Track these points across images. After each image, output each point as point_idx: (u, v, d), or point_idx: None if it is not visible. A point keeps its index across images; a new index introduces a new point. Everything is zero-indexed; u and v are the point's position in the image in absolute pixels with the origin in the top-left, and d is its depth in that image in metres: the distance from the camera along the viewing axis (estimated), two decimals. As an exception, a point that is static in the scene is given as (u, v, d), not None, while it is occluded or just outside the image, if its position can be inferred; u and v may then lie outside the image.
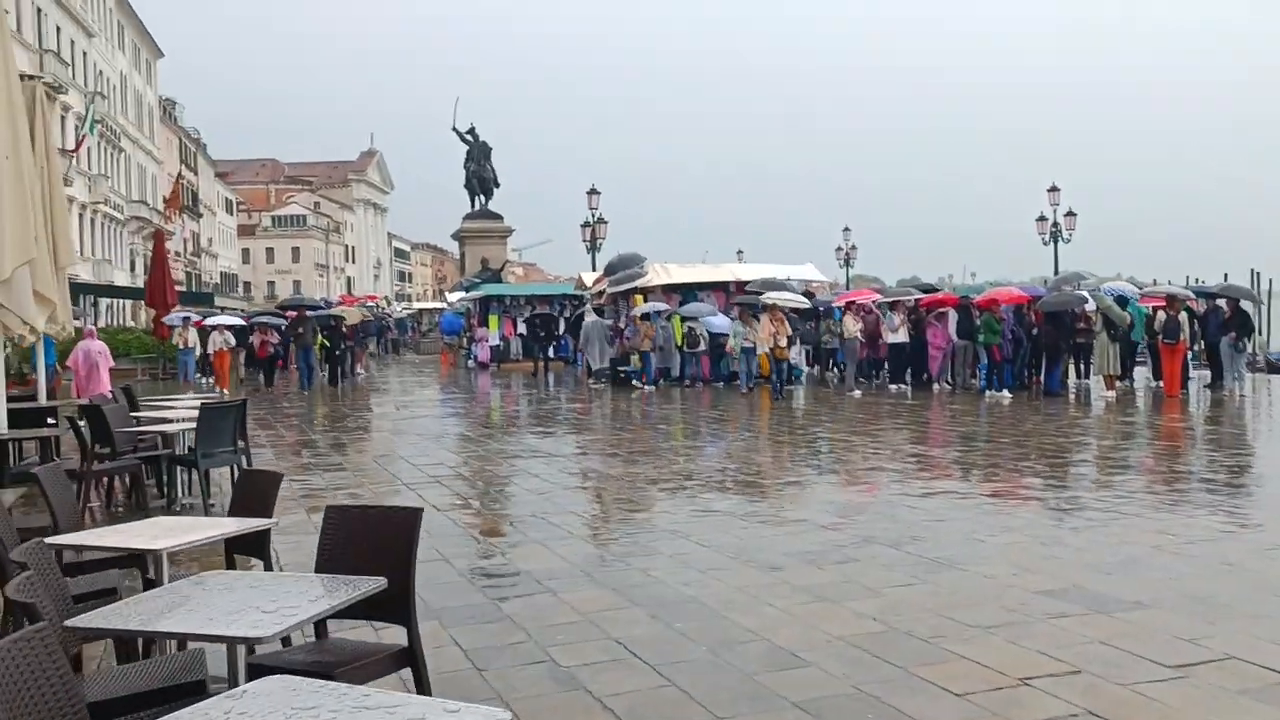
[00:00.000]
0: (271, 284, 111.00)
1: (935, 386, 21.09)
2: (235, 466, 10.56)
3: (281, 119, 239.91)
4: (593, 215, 35.79)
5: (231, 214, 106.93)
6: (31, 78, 14.61)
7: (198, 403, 12.07)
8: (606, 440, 14.94)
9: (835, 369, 24.46)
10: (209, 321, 26.65)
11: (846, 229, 52.77)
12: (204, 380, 25.55)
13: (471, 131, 46.36)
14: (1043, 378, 20.20)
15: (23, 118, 9.64)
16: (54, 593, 3.87)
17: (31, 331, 9.77)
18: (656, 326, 24.05)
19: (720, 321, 23.08)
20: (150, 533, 5.11)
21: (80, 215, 50.06)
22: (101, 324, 47.63)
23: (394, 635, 4.52)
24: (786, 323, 20.64)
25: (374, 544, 4.30)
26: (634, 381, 23.60)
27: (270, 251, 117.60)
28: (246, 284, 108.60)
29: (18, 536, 5.09)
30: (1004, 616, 5.82)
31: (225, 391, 22.20)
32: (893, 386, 21.73)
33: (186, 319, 26.76)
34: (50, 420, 12.04)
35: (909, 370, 22.00)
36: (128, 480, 10.47)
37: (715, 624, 5.83)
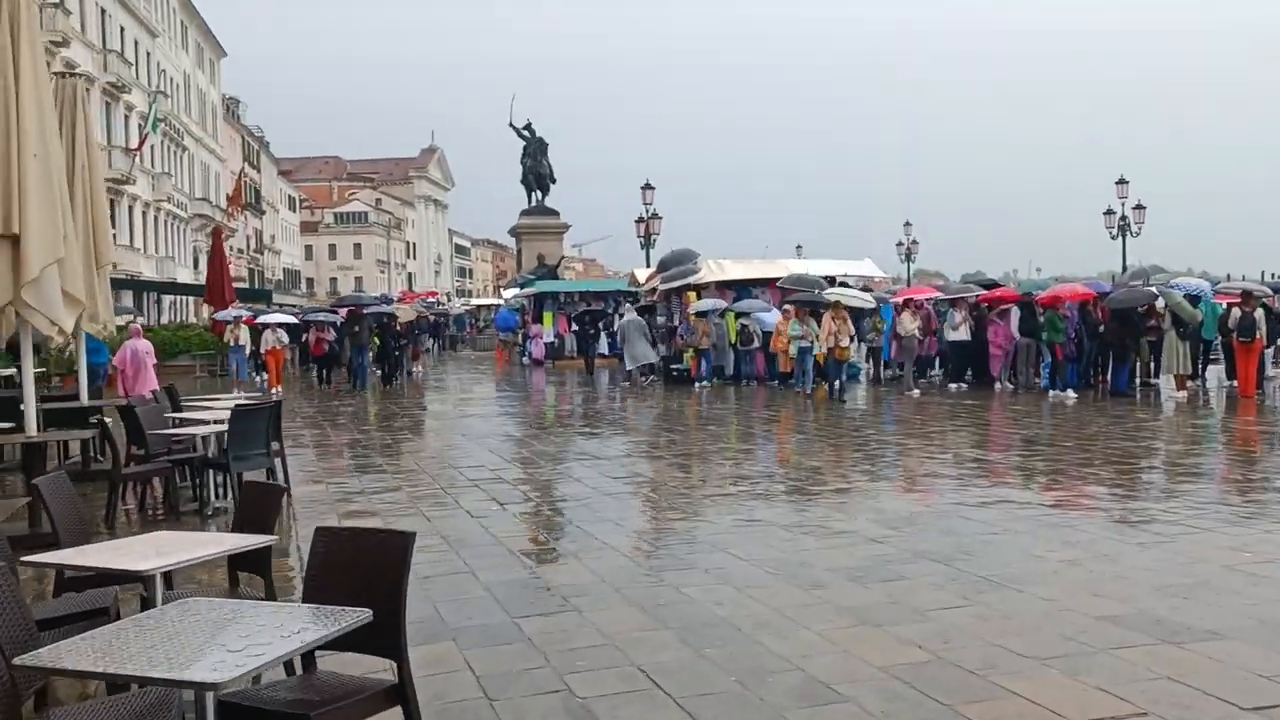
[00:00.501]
0: (334, 280, 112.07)
1: (996, 386, 20.45)
2: (269, 471, 10.36)
3: (345, 118, 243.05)
4: (647, 210, 35.42)
5: (294, 211, 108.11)
6: (69, 74, 14.47)
7: (234, 404, 11.91)
8: (654, 442, 14.56)
9: (886, 367, 23.75)
10: (261, 320, 26.49)
11: (908, 223, 52.05)
12: (258, 378, 25.64)
13: (528, 127, 46.15)
14: (1109, 377, 19.50)
15: (52, 116, 9.45)
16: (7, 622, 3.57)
17: (60, 332, 9.61)
18: (711, 324, 23.62)
19: (773, 318, 22.56)
20: (148, 549, 4.83)
21: (144, 213, 50.77)
22: (164, 320, 48.32)
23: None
24: (849, 321, 19.77)
25: (365, 570, 3.97)
26: (697, 383, 23.18)
27: (332, 248, 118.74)
28: (309, 280, 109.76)
29: (10, 549, 4.85)
30: (1062, 646, 5.36)
31: (278, 390, 22.28)
32: (952, 386, 21.02)
33: (238, 316, 26.69)
34: (93, 420, 11.91)
35: (969, 369, 21.35)
36: (169, 482, 10.27)
37: (747, 650, 5.43)
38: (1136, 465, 11.69)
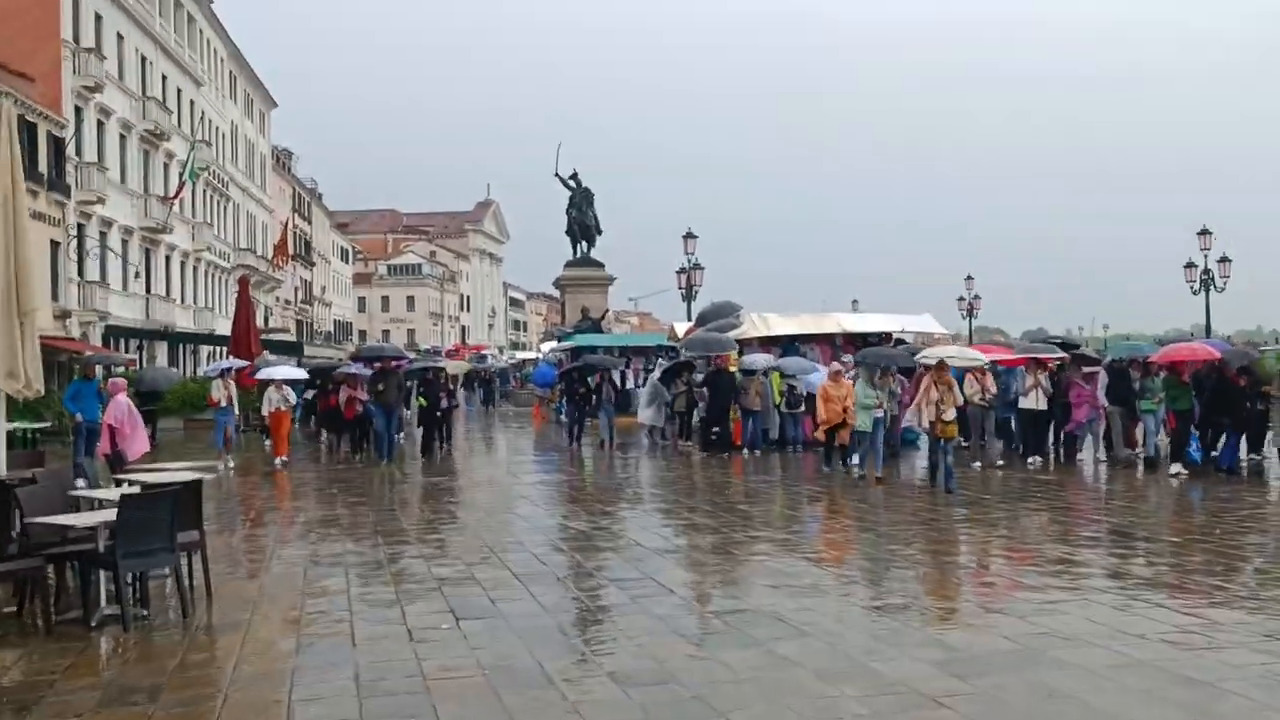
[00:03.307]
0: (386, 332, 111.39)
1: (1080, 457, 17.95)
2: (177, 570, 8.34)
3: (402, 172, 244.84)
4: (689, 261, 33.43)
5: (347, 263, 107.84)
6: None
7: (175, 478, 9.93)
8: (675, 535, 12.37)
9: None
10: (262, 374, 22.75)
11: (969, 277, 49.51)
12: (265, 442, 22.78)
13: (574, 177, 44.60)
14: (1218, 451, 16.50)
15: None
16: None
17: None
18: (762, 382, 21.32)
19: (819, 379, 20.12)
20: None
21: (182, 263, 49.77)
22: (200, 373, 47.00)
23: None
24: (955, 388, 15.07)
25: None
26: (746, 450, 20.74)
27: (385, 300, 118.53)
28: (362, 332, 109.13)
29: None
30: None
31: (283, 459, 19.65)
32: (1030, 461, 17.89)
33: (227, 370, 22.54)
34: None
35: (1051, 441, 18.67)
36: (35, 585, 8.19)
37: None
38: None
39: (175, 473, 10.88)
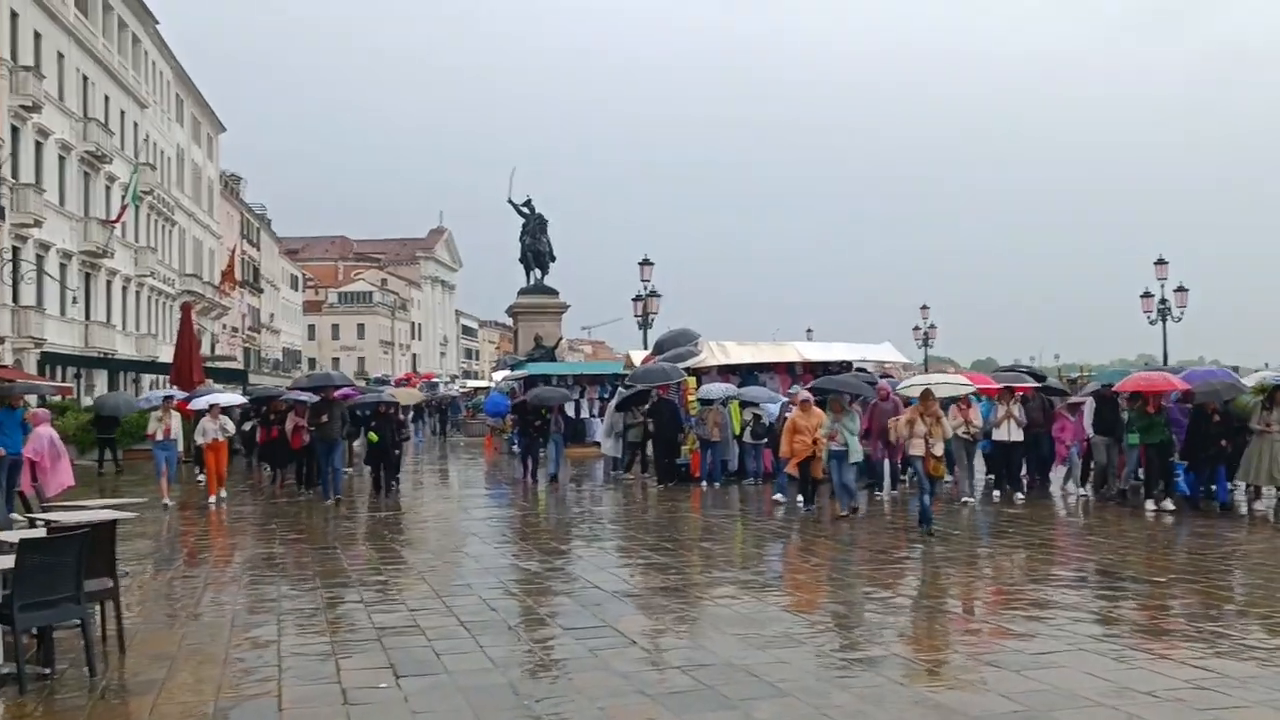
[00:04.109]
0: (336, 360, 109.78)
1: (1063, 489, 17.47)
2: (84, 624, 7.51)
3: (354, 199, 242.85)
4: (645, 288, 32.82)
5: (297, 290, 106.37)
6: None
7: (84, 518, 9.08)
8: (634, 577, 11.67)
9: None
10: (199, 402, 20.87)
11: (925, 306, 49.39)
12: (199, 476, 20.95)
13: (528, 204, 43.93)
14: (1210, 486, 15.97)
15: None
16: None
17: None
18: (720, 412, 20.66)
19: (775, 409, 19.52)
20: None
21: (124, 288, 48.45)
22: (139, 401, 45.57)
23: None
24: (944, 421, 13.97)
25: None
26: (704, 483, 20.16)
27: (335, 328, 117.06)
28: (311, 360, 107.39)
29: None
30: None
31: (219, 496, 18.39)
32: (1001, 494, 17.39)
33: (169, 398, 20.13)
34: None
35: (1029, 474, 18.09)
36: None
37: None
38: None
39: (93, 511, 10.03)
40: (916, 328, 49.57)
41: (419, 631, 8.43)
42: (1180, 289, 34.29)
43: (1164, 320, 34.31)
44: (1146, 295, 34.91)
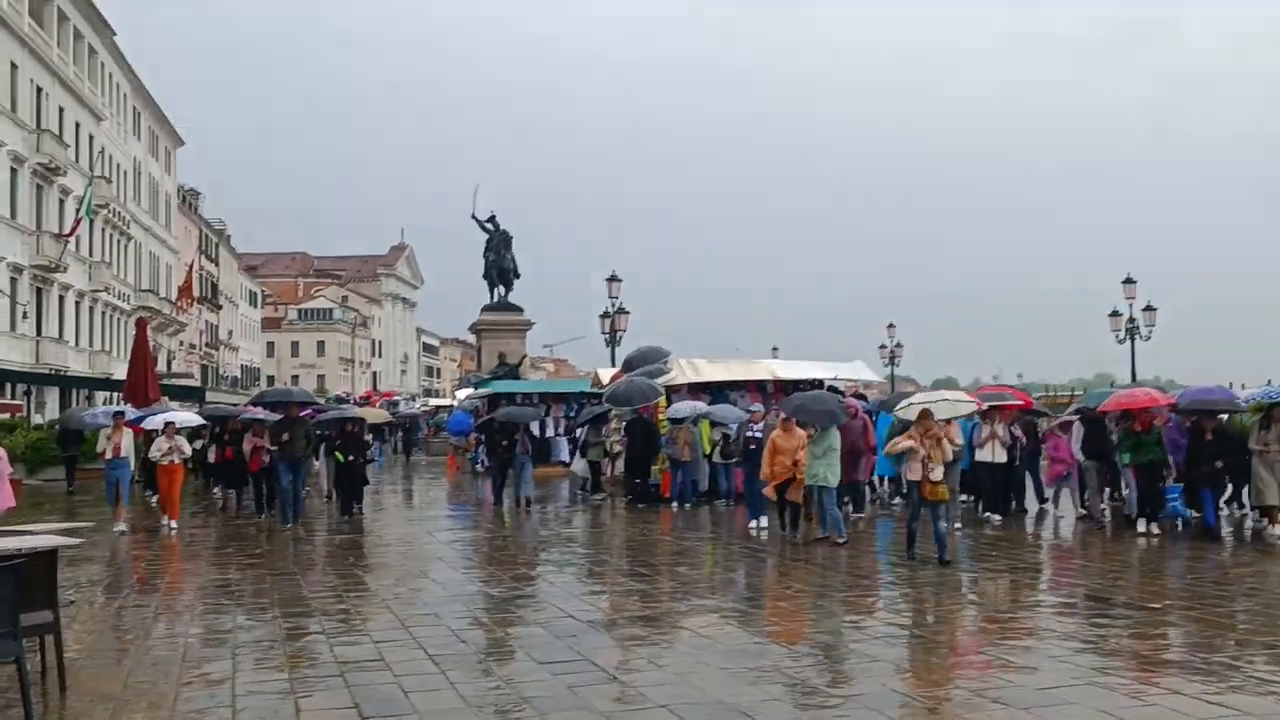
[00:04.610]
0: (295, 377, 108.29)
1: (1046, 509, 17.15)
2: (20, 659, 6.91)
3: (315, 215, 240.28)
4: (613, 305, 32.40)
5: (257, 306, 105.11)
6: None
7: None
8: (608, 605, 11.18)
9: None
10: (153, 421, 19.50)
11: (891, 325, 49.26)
12: (151, 498, 20.49)
13: (492, 220, 43.55)
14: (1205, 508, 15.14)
15: None
16: None
17: None
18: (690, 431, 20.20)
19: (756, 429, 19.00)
20: None
21: (77, 303, 47.42)
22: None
23: None
24: (946, 444, 12.88)
25: None
26: (675, 503, 19.67)
27: (295, 345, 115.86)
28: (270, 377, 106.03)
29: None
30: None
31: (173, 523, 17.19)
32: (995, 517, 16.71)
33: (119, 414, 18.99)
34: None
35: (1009, 496, 17.54)
36: None
37: None
38: None
39: (35, 537, 9.40)
40: (883, 346, 49.47)
41: (384, 666, 7.90)
42: (1149, 308, 34.35)
43: (1132, 339, 34.33)
44: (1115, 314, 34.95)
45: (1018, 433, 16.85)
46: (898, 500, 19.57)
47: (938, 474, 12.42)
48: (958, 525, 15.16)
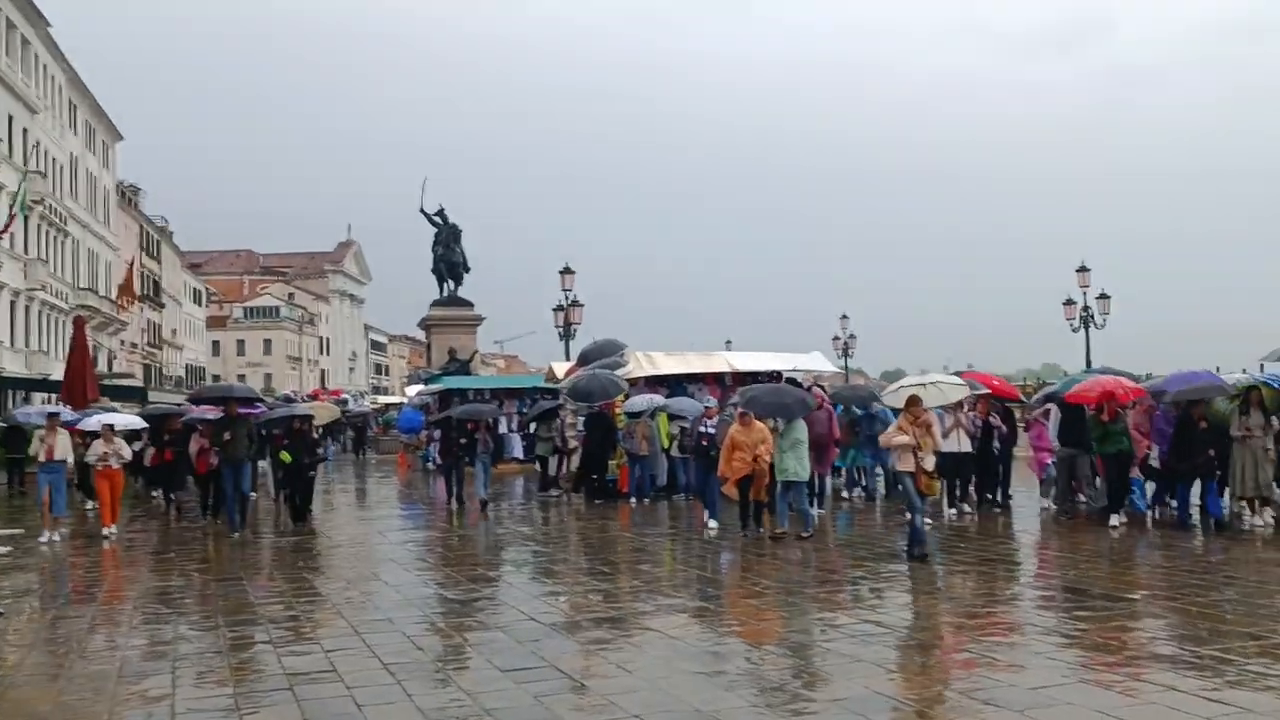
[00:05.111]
0: (241, 376, 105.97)
1: (1041, 504, 16.88)
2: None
3: (259, 212, 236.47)
4: (566, 297, 31.90)
5: (201, 305, 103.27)
6: None
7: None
8: (570, 606, 10.75)
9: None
10: (89, 422, 18.73)
11: (845, 316, 49.18)
12: (87, 504, 19.38)
13: (440, 213, 42.81)
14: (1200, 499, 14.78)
15: None
16: None
17: None
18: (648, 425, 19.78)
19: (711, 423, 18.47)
20: None
21: (12, 302, 46.10)
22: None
23: None
24: (934, 429, 12.44)
25: None
26: (633, 499, 19.26)
27: (241, 344, 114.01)
28: (215, 376, 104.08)
29: None
30: None
31: (112, 530, 16.21)
32: (951, 511, 16.05)
33: (53, 415, 18.06)
34: None
35: (977, 486, 17.07)
36: None
37: None
38: None
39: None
40: (836, 337, 49.37)
41: (336, 678, 7.41)
42: (1103, 296, 34.41)
43: (1086, 328, 34.39)
44: (1069, 302, 34.99)
45: (996, 421, 16.52)
46: (858, 491, 19.35)
47: (930, 463, 11.94)
48: (929, 521, 14.83)
